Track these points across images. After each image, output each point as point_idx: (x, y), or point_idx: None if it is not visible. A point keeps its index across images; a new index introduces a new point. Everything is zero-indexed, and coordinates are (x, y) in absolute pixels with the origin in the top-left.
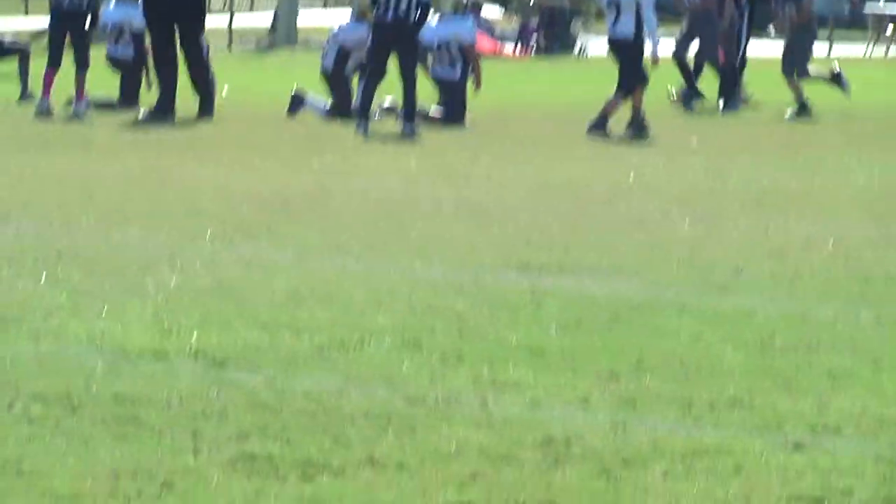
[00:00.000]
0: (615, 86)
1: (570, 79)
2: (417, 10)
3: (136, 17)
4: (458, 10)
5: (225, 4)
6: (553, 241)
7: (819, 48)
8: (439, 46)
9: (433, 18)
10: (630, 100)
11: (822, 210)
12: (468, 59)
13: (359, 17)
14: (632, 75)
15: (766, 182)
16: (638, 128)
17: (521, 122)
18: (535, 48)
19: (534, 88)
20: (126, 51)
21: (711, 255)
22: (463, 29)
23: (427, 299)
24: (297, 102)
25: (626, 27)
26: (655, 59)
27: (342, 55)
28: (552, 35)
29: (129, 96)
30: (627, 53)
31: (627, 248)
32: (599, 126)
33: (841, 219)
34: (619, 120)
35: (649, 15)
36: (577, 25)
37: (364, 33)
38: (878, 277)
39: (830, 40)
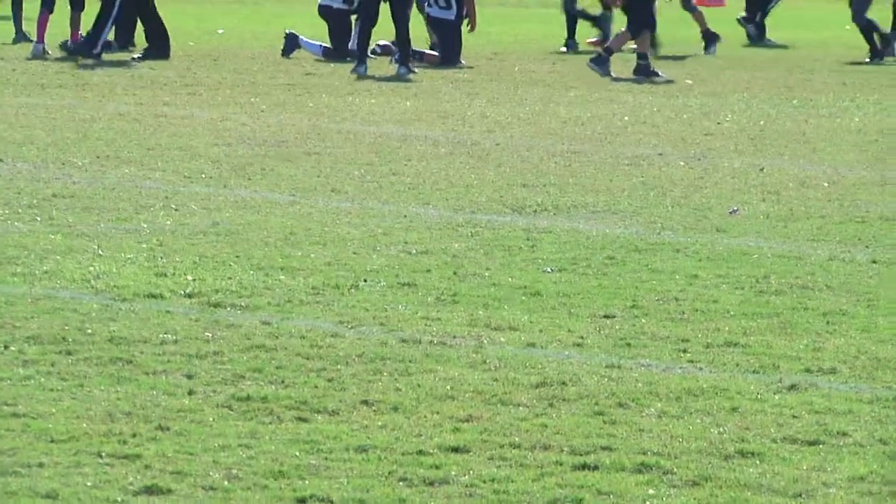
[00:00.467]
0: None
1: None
2: None
3: None
4: None
5: None
6: (548, 182)
7: None
8: None
9: None
10: (637, 42)
11: (817, 151)
12: (464, 0)
13: None
14: (640, 19)
15: (762, 123)
16: (645, 73)
17: (517, 62)
18: None
19: (530, 29)
20: None
21: (707, 196)
22: None
23: (422, 240)
24: (291, 43)
25: None
26: None
27: None
28: None
29: (125, 37)
30: None
31: (623, 189)
32: (602, 62)
33: (836, 160)
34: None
35: None
36: None
37: None
38: (872, 218)
39: None
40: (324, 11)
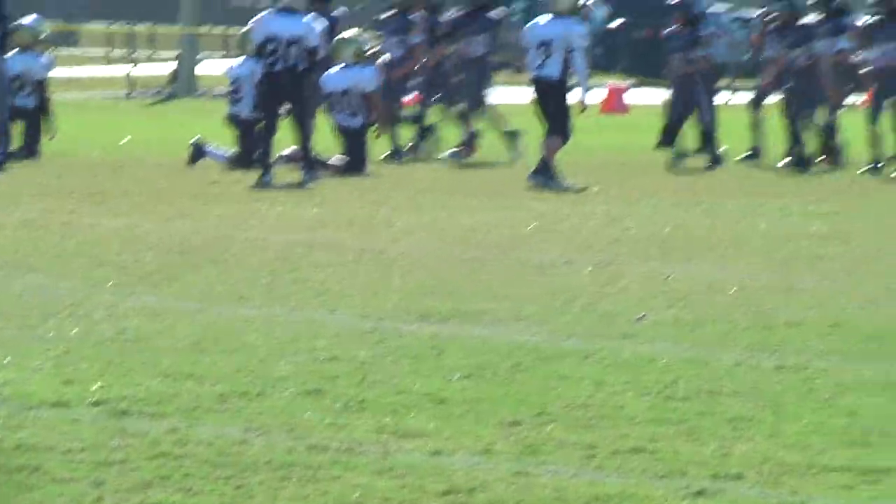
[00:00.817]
0: (545, 130)
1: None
2: (306, 57)
3: (36, 68)
4: (360, 59)
5: (127, 53)
6: (455, 289)
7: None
8: (342, 94)
9: (334, 67)
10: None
11: (725, 256)
12: (371, 107)
13: (251, 54)
14: (563, 119)
15: (669, 229)
16: (545, 174)
17: (423, 170)
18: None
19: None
20: (26, 100)
21: (614, 302)
22: (365, 77)
23: (329, 348)
24: (197, 152)
25: (553, 69)
26: (583, 106)
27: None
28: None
29: (30, 145)
30: (555, 97)
31: (529, 295)
32: (542, 171)
33: (743, 265)
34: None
35: (580, 60)
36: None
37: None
38: (778, 324)
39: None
40: (232, 119)
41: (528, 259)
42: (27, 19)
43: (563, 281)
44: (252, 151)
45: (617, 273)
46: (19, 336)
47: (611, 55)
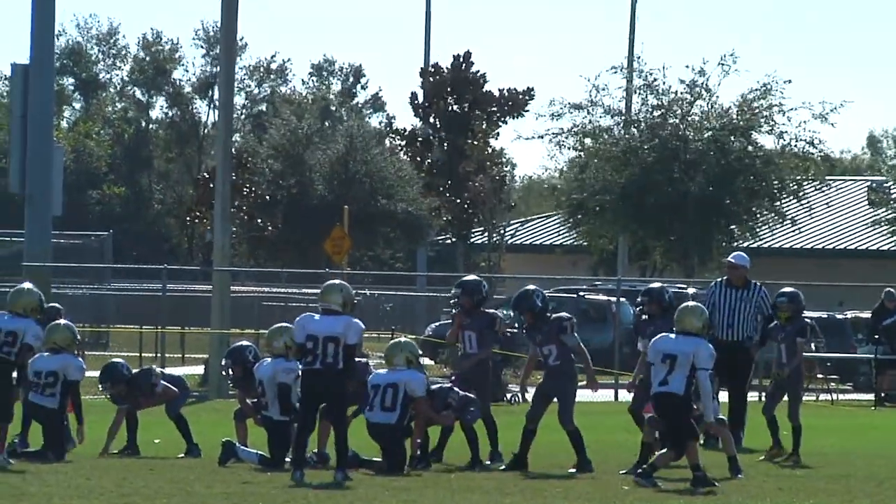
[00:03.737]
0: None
1: (504, 425)
2: (344, 356)
3: (71, 369)
4: (412, 364)
5: (156, 355)
6: None
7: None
8: (386, 388)
9: (381, 369)
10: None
11: None
12: (417, 411)
13: (275, 355)
14: (683, 432)
15: None
16: (702, 483)
17: (462, 471)
18: None
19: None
20: (50, 400)
21: None
22: (415, 379)
23: None
24: (228, 451)
25: (678, 384)
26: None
27: (284, 396)
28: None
29: (54, 447)
30: (677, 410)
31: None
32: (650, 474)
33: None
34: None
35: (704, 380)
36: (507, 375)
37: (290, 365)
38: None
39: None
40: (264, 421)
41: None
42: (62, 321)
43: None
44: (283, 453)
45: None
46: None
47: None
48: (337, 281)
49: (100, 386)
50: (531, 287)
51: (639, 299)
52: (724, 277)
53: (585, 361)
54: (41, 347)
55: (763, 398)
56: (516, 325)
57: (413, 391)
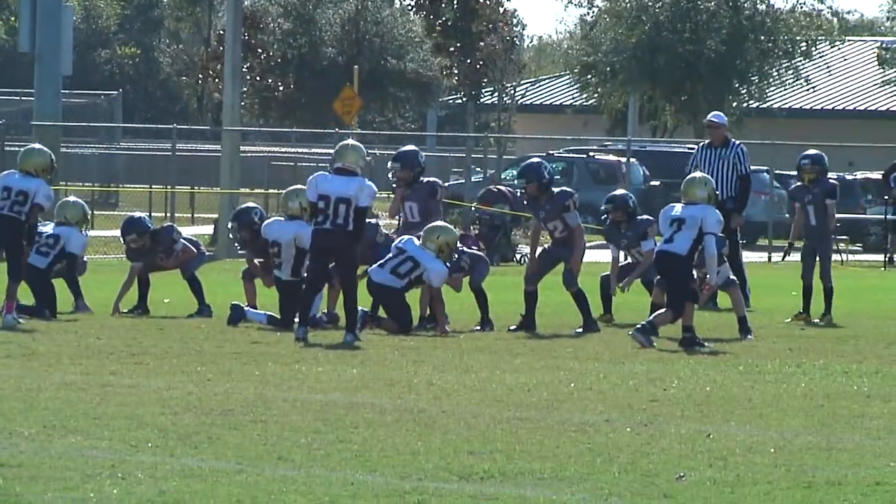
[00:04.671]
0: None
1: (511, 285)
2: (355, 218)
3: (73, 242)
4: (442, 255)
5: (165, 215)
6: (495, 450)
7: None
8: (407, 260)
9: (416, 239)
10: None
11: (764, 416)
12: (431, 296)
13: (291, 216)
14: (682, 293)
15: (708, 389)
16: (691, 344)
17: (463, 329)
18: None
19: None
20: (43, 261)
21: (654, 462)
22: (435, 270)
23: None
24: (237, 313)
25: (682, 244)
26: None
27: (299, 259)
28: (492, 246)
29: (44, 305)
30: (678, 270)
31: (570, 455)
32: (648, 331)
33: (782, 425)
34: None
35: (710, 244)
36: (517, 235)
37: (299, 228)
38: (819, 483)
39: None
40: (275, 282)
41: (568, 419)
42: (72, 198)
43: (603, 440)
44: (293, 313)
45: (656, 433)
46: (59, 498)
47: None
48: (351, 141)
49: (122, 238)
50: (538, 159)
51: (602, 207)
52: (709, 140)
53: (578, 244)
54: (51, 208)
55: (771, 259)
56: (518, 191)
57: (429, 280)
